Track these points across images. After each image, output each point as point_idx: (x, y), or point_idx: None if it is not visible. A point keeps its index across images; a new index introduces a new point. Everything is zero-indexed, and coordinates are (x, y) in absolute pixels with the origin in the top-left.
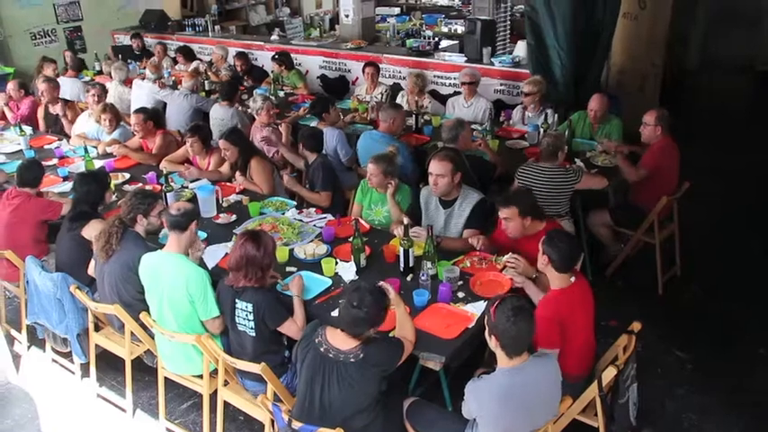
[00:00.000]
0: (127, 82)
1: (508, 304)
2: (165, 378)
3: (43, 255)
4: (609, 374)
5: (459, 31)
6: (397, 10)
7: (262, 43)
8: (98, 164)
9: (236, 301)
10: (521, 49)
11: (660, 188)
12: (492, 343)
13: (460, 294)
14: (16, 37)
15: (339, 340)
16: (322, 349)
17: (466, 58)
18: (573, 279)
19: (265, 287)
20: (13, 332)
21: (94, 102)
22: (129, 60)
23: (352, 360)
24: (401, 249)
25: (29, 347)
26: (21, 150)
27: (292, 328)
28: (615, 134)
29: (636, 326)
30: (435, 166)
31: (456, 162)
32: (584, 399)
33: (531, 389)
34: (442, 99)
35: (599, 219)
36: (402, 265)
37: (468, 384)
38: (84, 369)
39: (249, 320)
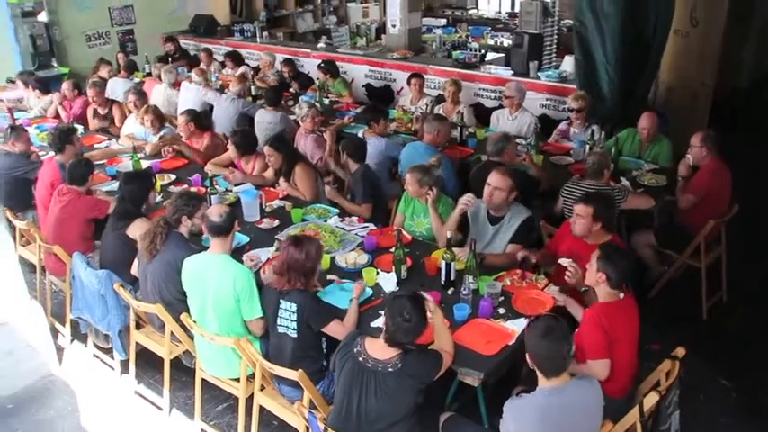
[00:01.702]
0: (176, 85)
1: (540, 323)
2: (203, 379)
3: (89, 251)
4: (651, 400)
5: (506, 44)
6: (443, 21)
7: (308, 50)
8: (145, 164)
9: (281, 301)
10: (568, 63)
11: (708, 211)
12: (528, 362)
13: (501, 310)
14: (73, 39)
15: (378, 350)
16: (360, 359)
17: (512, 72)
18: (621, 295)
19: (310, 291)
20: (58, 325)
21: (135, 107)
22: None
23: (390, 370)
24: (443, 262)
25: (72, 341)
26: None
27: (338, 329)
28: (664, 154)
29: (680, 351)
30: (495, 179)
31: (515, 180)
32: (624, 423)
33: (571, 411)
34: (487, 112)
35: (643, 239)
36: (443, 278)
37: (507, 402)
38: (124, 366)
39: (292, 321)
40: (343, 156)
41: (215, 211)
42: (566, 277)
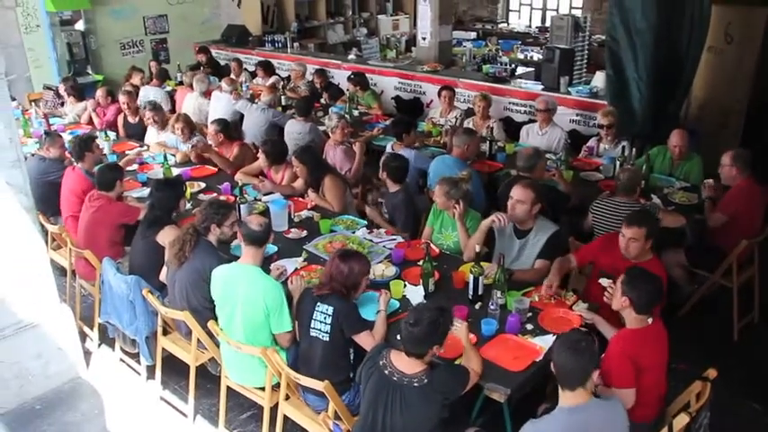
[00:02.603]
0: (207, 94)
1: (571, 336)
2: (227, 387)
3: (118, 257)
4: (681, 421)
5: (536, 59)
6: (473, 35)
7: (339, 62)
8: (176, 172)
9: (318, 304)
10: (599, 79)
11: (740, 230)
12: (553, 370)
13: (529, 326)
14: (108, 46)
15: (404, 364)
16: (386, 372)
17: (542, 87)
18: (650, 321)
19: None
20: (86, 329)
21: (154, 122)
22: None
23: (416, 384)
24: (471, 276)
25: (99, 345)
26: (105, 154)
27: (368, 340)
28: (695, 172)
29: (711, 373)
30: (517, 191)
31: (538, 193)
32: None
33: (593, 430)
34: (517, 126)
35: (674, 258)
36: (471, 292)
37: (528, 425)
38: (150, 371)
39: (326, 324)
40: (383, 174)
41: (255, 220)
42: (604, 298)
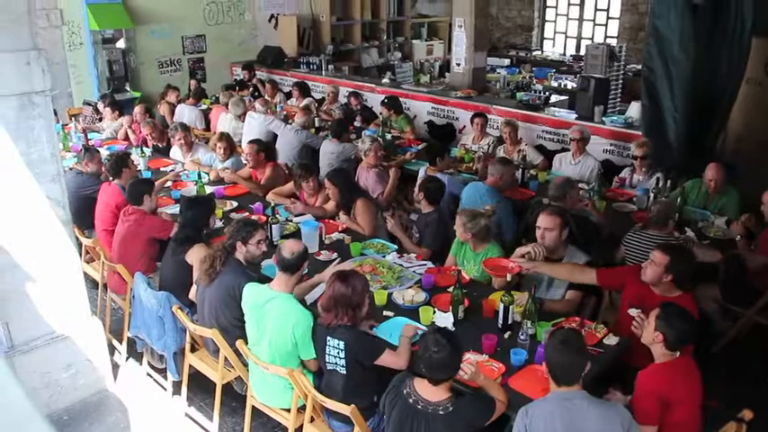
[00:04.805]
0: (241, 117)
1: (560, 334)
2: (253, 407)
3: (150, 272)
4: None
5: (570, 87)
6: (507, 61)
7: (373, 85)
8: (209, 190)
9: (328, 338)
10: (634, 109)
11: None
12: (544, 368)
13: None
14: (147, 64)
15: (428, 391)
16: (411, 400)
17: (576, 115)
18: (677, 354)
19: (358, 326)
20: (115, 342)
21: (185, 142)
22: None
23: (440, 412)
24: (501, 305)
25: (127, 359)
26: (140, 170)
27: (390, 359)
28: (732, 207)
29: (747, 414)
30: (544, 220)
31: (564, 218)
32: None
33: (579, 418)
34: (549, 154)
35: (707, 292)
36: (501, 321)
37: (519, 412)
38: (176, 387)
39: (341, 358)
40: (419, 195)
41: (288, 246)
42: (632, 328)
